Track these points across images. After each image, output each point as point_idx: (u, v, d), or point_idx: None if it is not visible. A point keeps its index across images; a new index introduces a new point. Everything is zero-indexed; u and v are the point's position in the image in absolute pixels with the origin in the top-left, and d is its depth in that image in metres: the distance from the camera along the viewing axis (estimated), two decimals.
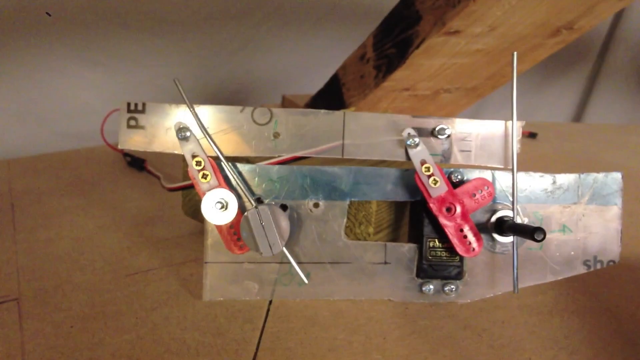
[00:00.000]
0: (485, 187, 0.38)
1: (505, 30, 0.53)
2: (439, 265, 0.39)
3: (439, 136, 0.39)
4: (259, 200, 0.38)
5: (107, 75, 0.90)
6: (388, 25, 0.61)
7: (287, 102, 0.90)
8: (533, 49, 0.59)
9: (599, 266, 0.40)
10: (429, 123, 0.39)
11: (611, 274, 0.45)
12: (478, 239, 0.38)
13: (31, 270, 0.43)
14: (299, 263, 0.39)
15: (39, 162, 0.72)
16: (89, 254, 0.46)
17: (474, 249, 0.38)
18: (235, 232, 0.37)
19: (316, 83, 0.78)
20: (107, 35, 0.86)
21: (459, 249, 0.37)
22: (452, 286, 0.39)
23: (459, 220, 0.37)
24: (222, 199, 0.36)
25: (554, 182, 0.40)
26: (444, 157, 0.39)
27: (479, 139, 0.39)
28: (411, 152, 0.38)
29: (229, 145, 0.38)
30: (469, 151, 0.39)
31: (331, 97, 0.73)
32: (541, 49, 0.59)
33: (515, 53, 0.38)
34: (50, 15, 0.75)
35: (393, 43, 0.59)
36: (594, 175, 0.40)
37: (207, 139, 0.37)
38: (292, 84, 1.09)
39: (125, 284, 0.41)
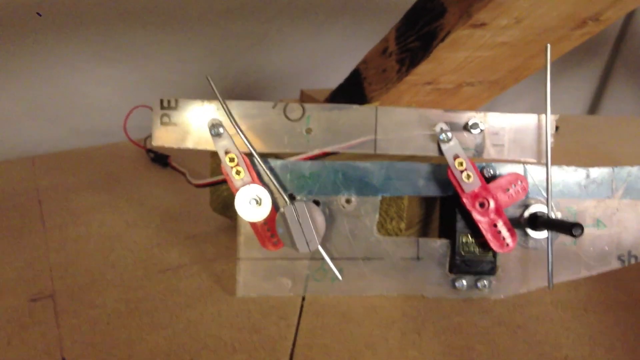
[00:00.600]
0: (519, 182, 0.38)
1: (531, 22, 0.53)
2: (472, 260, 0.39)
3: (472, 130, 0.38)
4: (291, 197, 0.38)
5: (124, 72, 0.90)
6: (411, 18, 0.60)
7: (305, 97, 0.90)
8: (558, 40, 0.58)
9: (633, 261, 0.40)
10: (461, 117, 0.39)
11: None
12: (512, 234, 0.37)
13: (64, 267, 0.43)
14: (332, 259, 0.39)
15: (63, 159, 0.72)
16: (120, 251, 0.46)
17: (507, 245, 0.37)
18: (269, 229, 0.37)
19: (333, 76, 0.78)
20: (123, 32, 0.86)
21: (493, 244, 0.37)
22: (485, 282, 0.39)
23: (492, 216, 0.37)
24: (257, 195, 0.36)
25: (588, 176, 0.39)
26: (477, 152, 0.39)
27: (512, 133, 0.39)
28: (444, 146, 0.38)
29: (261, 141, 0.38)
30: (502, 145, 0.39)
31: (352, 91, 0.72)
32: (566, 40, 0.59)
33: (548, 45, 0.38)
34: (40, 15, 0.75)
35: (417, 36, 0.59)
36: (628, 168, 0.39)
37: (239, 135, 0.37)
38: (308, 78, 1.09)
39: (157, 280, 0.42)
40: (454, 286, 0.40)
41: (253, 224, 0.37)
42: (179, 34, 0.92)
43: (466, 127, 0.38)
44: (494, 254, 0.39)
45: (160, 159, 0.68)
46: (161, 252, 0.46)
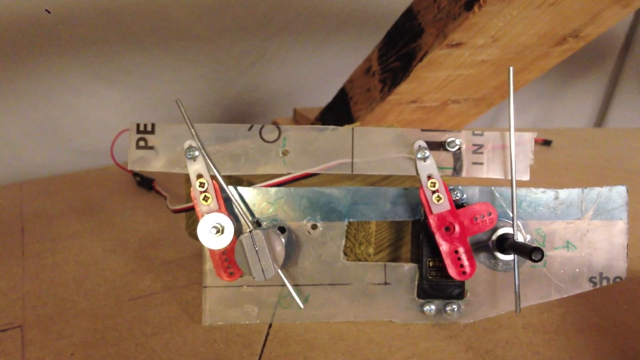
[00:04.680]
0: (489, 213, 0.37)
1: (509, 41, 0.52)
2: (440, 285, 0.39)
3: (449, 148, 0.38)
4: (258, 224, 0.38)
5: (124, 93, 0.91)
6: (392, 38, 0.60)
7: (298, 115, 0.90)
8: (539, 58, 0.58)
9: (604, 283, 0.39)
10: (439, 136, 0.38)
11: (621, 289, 0.44)
12: (472, 264, 0.37)
13: (36, 296, 0.43)
14: (298, 285, 0.38)
15: (51, 184, 0.73)
16: (94, 278, 0.46)
17: (465, 273, 0.37)
18: (227, 259, 0.37)
19: (330, 95, 0.78)
20: (122, 53, 0.87)
21: (451, 270, 0.37)
22: (454, 306, 0.39)
23: (455, 242, 0.37)
24: (219, 223, 0.36)
25: (557, 198, 0.39)
26: (456, 170, 0.38)
27: (492, 151, 0.38)
28: (419, 165, 0.37)
29: (238, 163, 0.38)
30: (481, 163, 0.39)
31: (339, 110, 0.72)
32: (548, 57, 0.58)
33: (511, 68, 0.38)
34: (49, 12, 0.76)
35: (397, 56, 0.59)
36: (597, 189, 0.39)
37: (208, 159, 0.37)
38: (306, 96, 1.09)
39: (127, 308, 0.42)
40: (422, 311, 0.39)
41: (212, 252, 0.37)
42: (179, 53, 0.93)
43: (444, 146, 0.38)
44: None
45: (146, 182, 0.68)
46: (135, 279, 0.46)
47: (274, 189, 0.38)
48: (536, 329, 0.39)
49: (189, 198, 0.47)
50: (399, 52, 0.58)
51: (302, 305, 0.38)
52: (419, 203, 0.38)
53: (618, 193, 0.39)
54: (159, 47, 0.90)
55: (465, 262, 0.37)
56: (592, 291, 0.39)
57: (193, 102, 0.99)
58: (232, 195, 0.37)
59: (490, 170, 0.39)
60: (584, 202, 0.39)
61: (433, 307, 0.39)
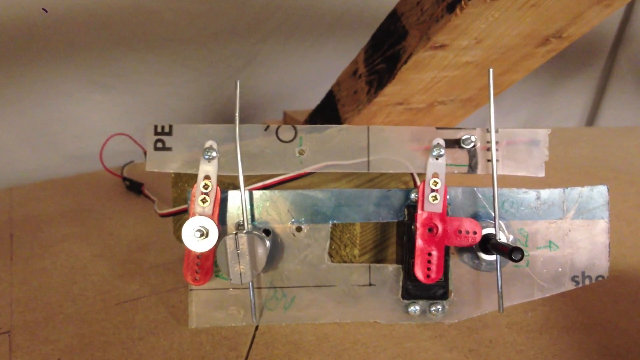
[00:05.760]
0: (474, 232, 0.37)
1: (493, 42, 0.53)
2: (424, 285, 0.39)
3: (464, 146, 0.39)
4: (244, 228, 0.38)
5: (115, 97, 0.91)
6: (377, 40, 0.61)
7: (288, 118, 0.91)
8: (524, 58, 0.58)
9: (587, 282, 0.40)
10: (453, 134, 0.39)
11: (604, 288, 0.44)
12: (439, 270, 0.37)
13: (24, 301, 0.44)
14: (283, 287, 0.39)
15: (41, 189, 0.73)
16: (82, 283, 0.46)
17: (429, 277, 0.37)
18: (198, 263, 0.37)
19: (320, 97, 0.78)
20: (114, 58, 0.87)
21: (418, 269, 0.37)
22: (438, 306, 0.39)
23: (433, 245, 0.37)
24: (204, 227, 0.36)
25: (538, 198, 0.39)
26: (471, 168, 0.39)
27: (506, 148, 0.39)
28: (431, 160, 0.38)
29: (254, 162, 0.39)
30: (497, 161, 0.39)
31: (327, 113, 0.73)
32: (532, 58, 0.59)
33: (491, 70, 0.38)
34: (46, 11, 0.76)
35: (382, 58, 0.59)
36: (578, 189, 0.39)
37: (237, 158, 0.37)
38: (297, 99, 1.09)
39: (115, 313, 0.42)
40: (407, 312, 0.39)
41: (188, 253, 0.37)
42: (171, 57, 0.93)
43: (459, 143, 0.39)
44: (445, 278, 0.39)
45: (135, 187, 0.68)
46: (123, 283, 0.46)
47: (260, 192, 0.39)
48: (520, 328, 0.39)
49: (176, 202, 0.48)
50: (384, 54, 0.59)
51: (257, 323, 0.39)
52: (402, 204, 0.39)
53: (599, 192, 0.39)
54: (150, 51, 0.90)
55: (434, 267, 0.37)
56: (576, 290, 0.40)
57: (184, 106, 1.00)
58: (243, 200, 0.37)
59: (506, 167, 0.39)
60: (565, 201, 0.39)
61: (417, 307, 0.39)
